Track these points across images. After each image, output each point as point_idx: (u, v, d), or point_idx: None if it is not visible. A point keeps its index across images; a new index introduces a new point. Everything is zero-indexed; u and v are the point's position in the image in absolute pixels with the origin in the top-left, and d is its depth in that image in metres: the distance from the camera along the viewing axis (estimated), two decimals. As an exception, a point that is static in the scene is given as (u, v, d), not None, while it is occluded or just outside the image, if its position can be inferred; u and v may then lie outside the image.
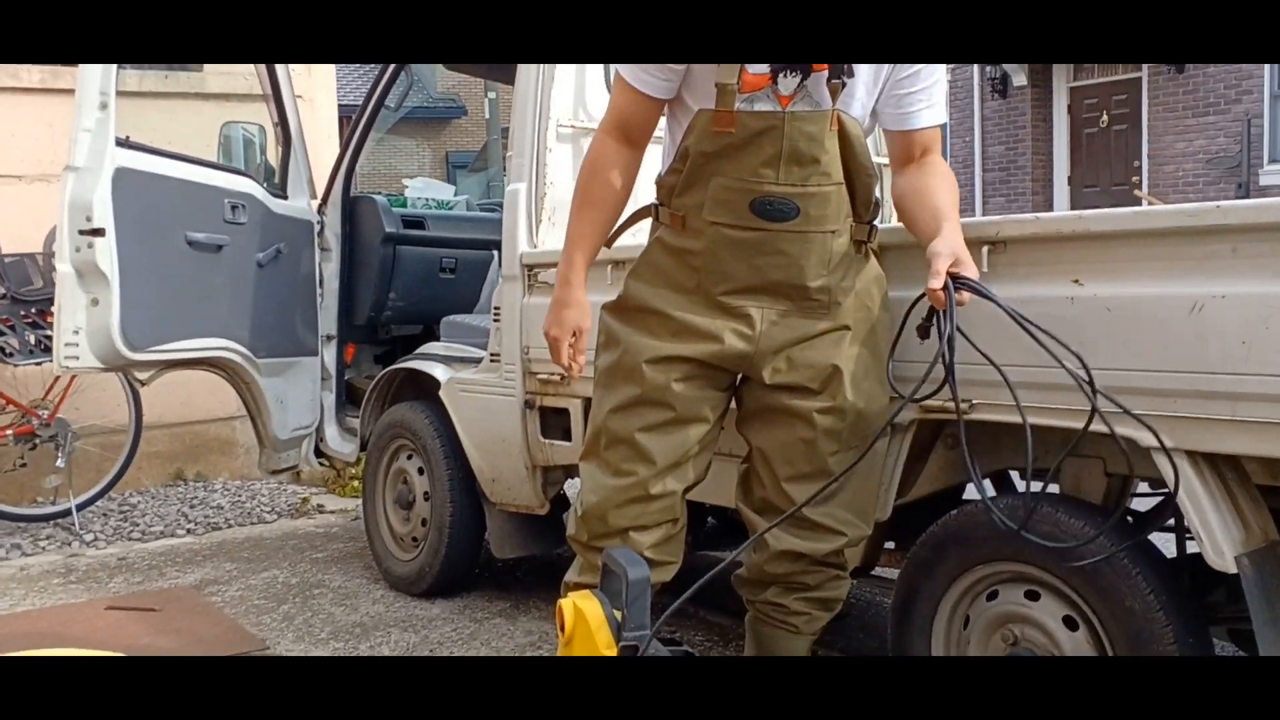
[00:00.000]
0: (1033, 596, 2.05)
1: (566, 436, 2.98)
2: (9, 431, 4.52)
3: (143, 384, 3.32)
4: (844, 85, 1.93)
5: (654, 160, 2.19)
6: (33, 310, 4.45)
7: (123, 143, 3.16)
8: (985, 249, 2.03)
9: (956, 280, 1.81)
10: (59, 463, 4.54)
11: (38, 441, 4.56)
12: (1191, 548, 1.92)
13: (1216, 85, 11.68)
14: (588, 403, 2.43)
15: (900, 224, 2.11)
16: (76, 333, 3.07)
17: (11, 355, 4.37)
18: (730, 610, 2.99)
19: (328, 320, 4.01)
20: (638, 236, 2.28)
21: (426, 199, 4.53)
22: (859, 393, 2.02)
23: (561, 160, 3.16)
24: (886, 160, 2.26)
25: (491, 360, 3.21)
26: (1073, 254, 1.94)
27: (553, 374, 2.93)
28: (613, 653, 1.59)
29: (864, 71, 1.96)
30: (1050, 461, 2.17)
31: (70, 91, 3.17)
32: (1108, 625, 1.93)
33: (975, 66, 14.13)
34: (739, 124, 1.93)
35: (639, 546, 2.05)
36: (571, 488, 3.03)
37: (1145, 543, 2.00)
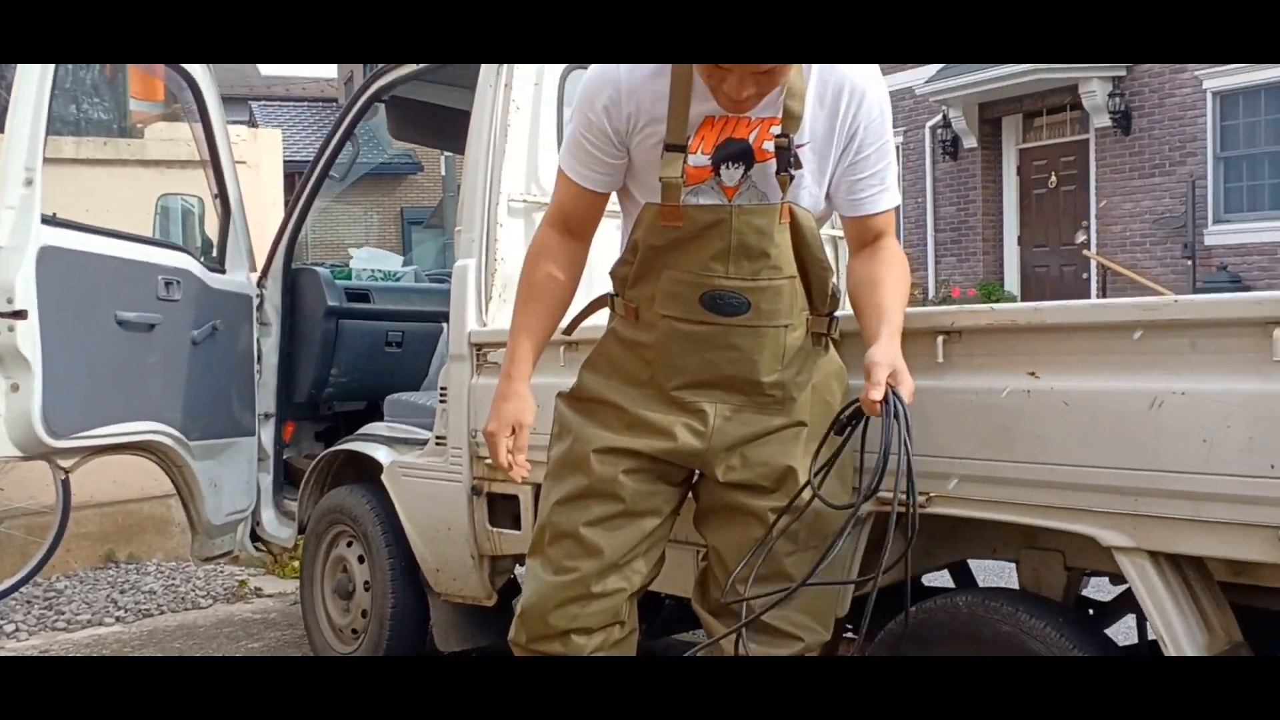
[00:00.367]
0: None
1: (516, 524, 2.88)
2: (-74, 516, 4.34)
3: (66, 472, 3.18)
4: (792, 178, 1.88)
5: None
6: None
7: (49, 220, 3.05)
8: (940, 339, 1.98)
9: (895, 393, 1.77)
10: (-22, 548, 4.35)
11: (-45, 527, 4.39)
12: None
13: (1161, 147, 11.93)
14: (538, 489, 2.34)
15: None
16: (-6, 419, 2.94)
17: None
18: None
19: (266, 398, 3.88)
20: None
21: (372, 270, 4.44)
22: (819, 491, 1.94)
23: (513, 235, 3.09)
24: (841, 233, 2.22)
25: (437, 443, 3.11)
26: (1028, 345, 1.89)
27: (501, 460, 2.84)
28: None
29: (811, 160, 1.92)
30: (1007, 554, 2.12)
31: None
32: None
33: (926, 129, 14.36)
34: (686, 218, 1.89)
35: (580, 651, 1.95)
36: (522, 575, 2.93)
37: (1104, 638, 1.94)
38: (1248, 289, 11.06)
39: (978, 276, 13.83)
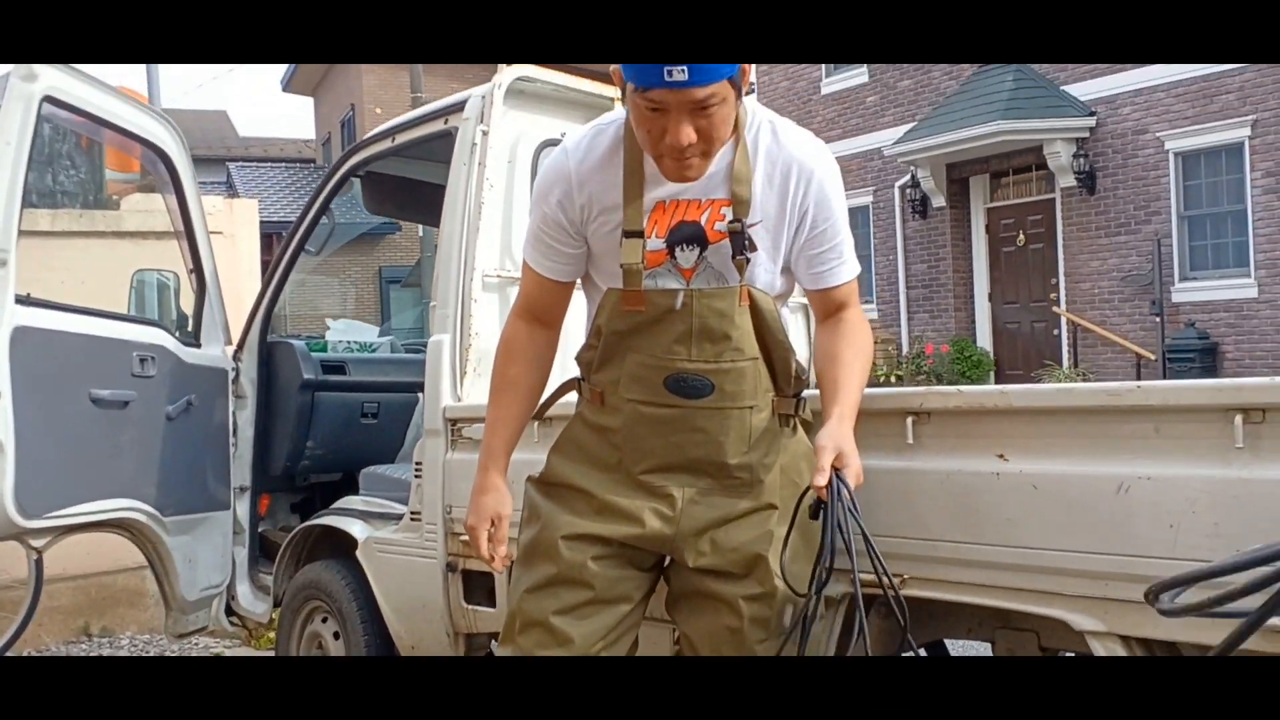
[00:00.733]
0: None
1: (491, 602, 2.87)
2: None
3: (38, 552, 3.14)
4: (749, 261, 1.91)
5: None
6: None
7: (23, 300, 3.04)
8: (910, 420, 2.01)
9: (839, 476, 1.78)
10: (-51, 624, 4.27)
11: (-75, 602, 4.31)
12: None
13: (1126, 206, 12.14)
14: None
15: None
16: (-35, 499, 2.90)
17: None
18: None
19: (241, 471, 3.86)
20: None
21: (348, 341, 4.45)
22: (788, 576, 1.95)
23: (487, 310, 3.11)
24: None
25: (412, 518, 3.10)
26: (997, 428, 1.92)
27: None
28: None
29: (765, 239, 1.95)
30: (983, 634, 2.13)
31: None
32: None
33: (895, 189, 14.55)
34: (648, 302, 1.92)
35: None
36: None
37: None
38: (1215, 346, 11.22)
39: (950, 332, 13.96)
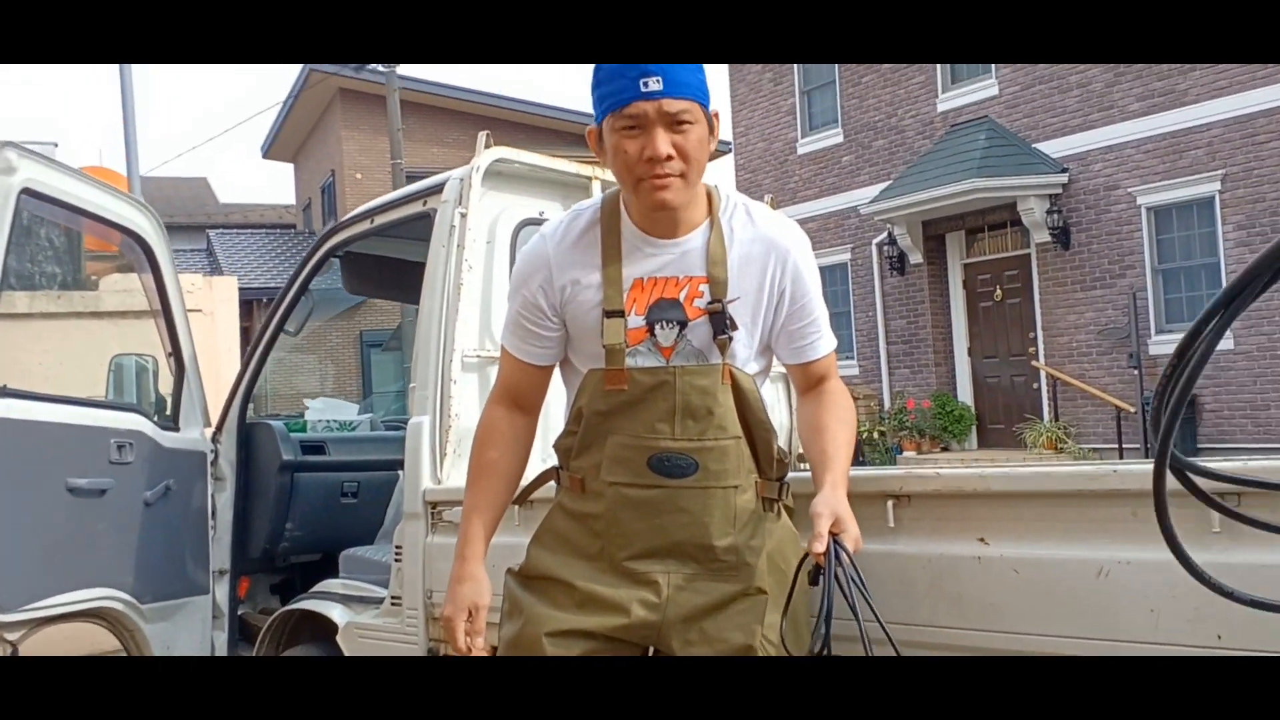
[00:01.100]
0: None
1: (472, 688, 2.83)
2: None
3: (12, 646, 3.10)
4: (730, 340, 1.93)
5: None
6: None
7: (-1, 391, 3.03)
8: (890, 503, 2.01)
9: (836, 542, 1.76)
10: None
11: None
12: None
13: (1100, 261, 12.28)
14: (495, 651, 2.31)
15: None
16: (-61, 595, 2.87)
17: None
18: None
19: (220, 554, 3.82)
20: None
21: (328, 420, 4.43)
22: (787, 642, 1.93)
23: (467, 391, 3.11)
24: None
25: (393, 603, 3.06)
26: (977, 511, 1.92)
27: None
28: None
29: (744, 315, 1.97)
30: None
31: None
32: None
33: (873, 246, 14.69)
34: (631, 381, 1.93)
35: None
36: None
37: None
38: (1194, 397, 11.28)
39: (931, 387, 14.01)
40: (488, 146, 3.23)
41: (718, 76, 17.32)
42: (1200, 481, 1.33)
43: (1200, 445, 11.16)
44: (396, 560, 3.05)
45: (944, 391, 13.94)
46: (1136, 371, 11.71)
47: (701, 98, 1.87)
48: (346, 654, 3.19)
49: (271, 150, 26.07)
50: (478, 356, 3.16)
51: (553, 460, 2.12)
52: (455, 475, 2.99)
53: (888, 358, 14.73)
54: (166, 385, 3.87)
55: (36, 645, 4.16)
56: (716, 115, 1.92)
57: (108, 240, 3.85)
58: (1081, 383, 12.27)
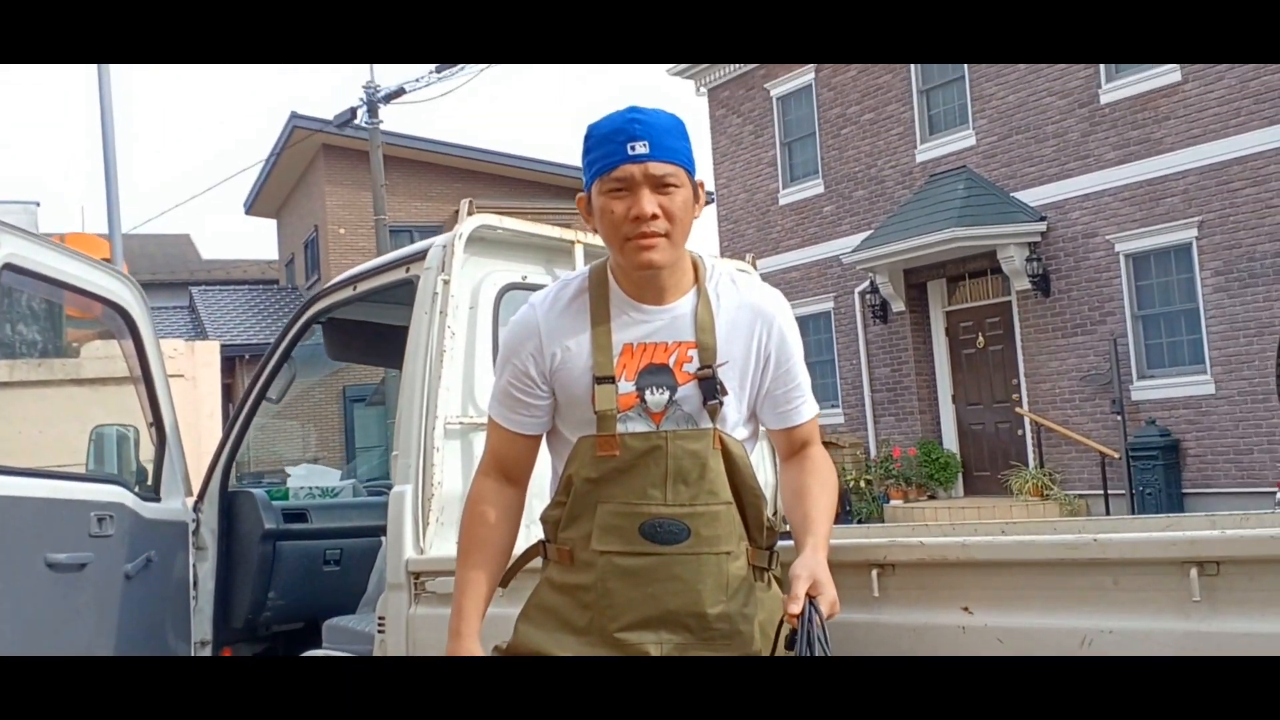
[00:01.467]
0: None
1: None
2: None
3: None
4: (721, 405, 1.94)
5: None
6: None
7: (-23, 467, 3.01)
8: (874, 572, 2.01)
9: (812, 604, 1.77)
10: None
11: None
12: None
13: (1081, 307, 12.37)
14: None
15: None
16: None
17: None
18: None
19: (202, 625, 3.79)
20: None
21: (310, 487, 4.41)
22: None
23: (450, 458, 3.09)
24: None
25: (376, 674, 3.03)
26: (961, 580, 1.92)
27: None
28: None
29: (732, 379, 1.98)
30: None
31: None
32: None
33: (855, 294, 14.79)
34: (623, 446, 1.93)
35: None
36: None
37: None
38: (1177, 443, 11.35)
39: (916, 435, 14.04)
40: (470, 214, 3.25)
41: (698, 124, 17.49)
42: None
43: (1185, 490, 11.19)
44: (380, 632, 3.03)
45: (929, 439, 13.96)
46: (1119, 417, 11.75)
47: (687, 164, 1.92)
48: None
49: (255, 206, 26.13)
50: (460, 423, 3.15)
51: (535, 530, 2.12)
52: (439, 544, 2.97)
53: (872, 405, 14.76)
54: (148, 454, 3.84)
55: None
56: (701, 185, 1.98)
57: (89, 312, 3.85)
58: (1065, 429, 12.31)
